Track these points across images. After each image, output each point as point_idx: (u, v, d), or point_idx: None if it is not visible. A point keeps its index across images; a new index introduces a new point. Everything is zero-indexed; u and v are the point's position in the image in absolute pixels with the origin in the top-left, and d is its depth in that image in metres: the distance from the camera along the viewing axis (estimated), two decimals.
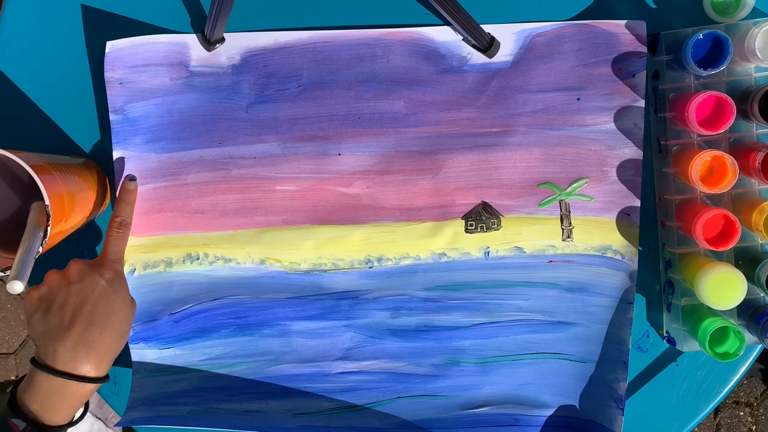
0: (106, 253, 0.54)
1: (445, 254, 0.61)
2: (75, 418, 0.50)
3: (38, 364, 0.48)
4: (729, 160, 0.54)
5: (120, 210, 0.56)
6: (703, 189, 0.55)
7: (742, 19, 0.59)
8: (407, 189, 0.61)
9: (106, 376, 0.50)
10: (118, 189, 0.58)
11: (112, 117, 0.60)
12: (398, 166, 0.60)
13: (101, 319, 0.50)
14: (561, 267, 0.61)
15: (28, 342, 1.44)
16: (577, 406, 0.62)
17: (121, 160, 0.60)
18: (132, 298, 0.53)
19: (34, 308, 0.50)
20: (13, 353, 1.44)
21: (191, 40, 0.60)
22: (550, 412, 0.62)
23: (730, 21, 0.59)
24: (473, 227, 0.61)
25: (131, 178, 0.58)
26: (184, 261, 0.61)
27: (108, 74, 0.59)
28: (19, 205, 0.56)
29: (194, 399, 0.62)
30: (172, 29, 0.60)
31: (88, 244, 0.63)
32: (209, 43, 0.59)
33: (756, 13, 0.60)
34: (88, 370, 0.48)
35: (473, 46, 0.60)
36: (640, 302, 0.63)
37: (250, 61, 0.60)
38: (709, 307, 0.58)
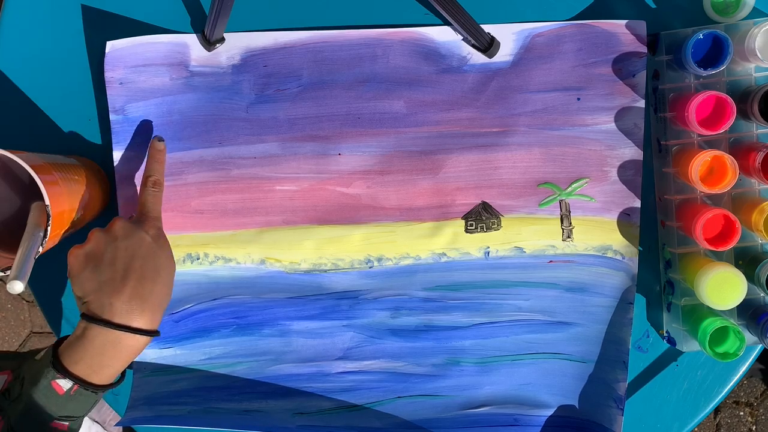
0: (146, 211, 0.54)
1: (445, 254, 0.61)
2: (116, 380, 0.50)
3: (94, 318, 0.47)
4: (729, 160, 0.54)
5: (152, 169, 0.56)
6: (703, 189, 0.55)
7: (742, 19, 0.59)
8: (407, 189, 0.61)
9: (158, 331, 0.50)
10: (148, 149, 0.58)
11: (112, 117, 0.60)
12: (398, 166, 0.60)
13: (152, 273, 0.50)
14: (561, 267, 0.61)
15: (28, 342, 1.44)
16: (577, 406, 0.63)
17: (122, 160, 0.60)
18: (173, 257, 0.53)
19: (81, 265, 0.50)
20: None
21: (191, 40, 0.60)
22: (550, 412, 0.63)
23: (730, 21, 0.59)
24: (473, 227, 0.61)
25: (159, 139, 0.58)
26: (184, 261, 0.61)
27: (108, 74, 0.59)
28: (19, 205, 0.56)
29: (194, 399, 0.62)
30: (172, 29, 0.60)
31: None
32: (209, 43, 0.59)
33: (756, 13, 0.60)
34: (143, 323, 0.48)
35: (473, 46, 0.60)
36: (640, 302, 0.63)
37: (250, 61, 0.60)
38: (709, 307, 0.58)
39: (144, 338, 0.49)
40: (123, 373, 0.51)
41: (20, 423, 0.46)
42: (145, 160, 0.58)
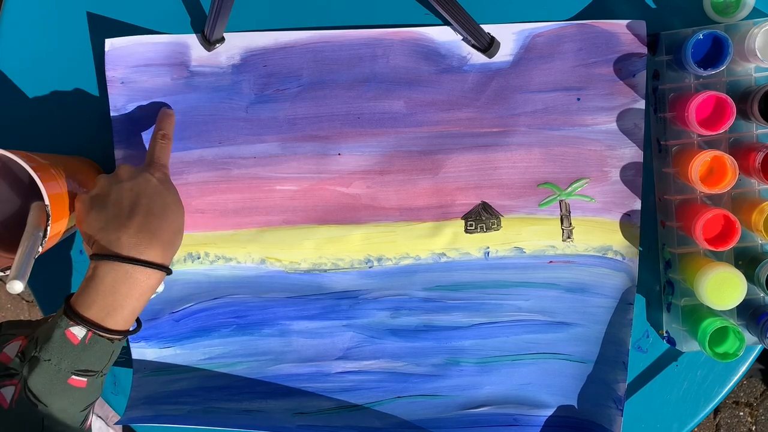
0: (153, 157, 0.54)
1: (445, 254, 0.61)
2: (132, 328, 0.49)
3: (102, 255, 0.47)
4: (729, 160, 0.54)
5: (161, 125, 0.57)
6: (703, 189, 0.55)
7: (742, 19, 0.59)
8: (407, 189, 0.61)
9: (170, 270, 0.49)
10: (159, 115, 0.58)
11: (113, 116, 0.60)
12: (398, 166, 0.60)
13: (159, 210, 0.49)
14: (561, 267, 0.61)
15: None
16: (577, 407, 0.63)
17: (122, 159, 0.60)
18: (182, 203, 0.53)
19: (87, 208, 0.50)
20: None
21: (192, 40, 0.60)
22: (549, 412, 0.63)
23: (730, 21, 0.59)
24: (473, 227, 0.61)
25: (168, 107, 0.59)
26: (185, 260, 0.61)
27: (110, 73, 0.59)
28: (19, 205, 0.56)
29: (194, 398, 0.62)
30: (172, 29, 0.60)
31: None
32: (209, 43, 0.59)
33: (756, 13, 0.60)
34: (153, 255, 0.48)
35: (473, 46, 0.60)
36: (640, 302, 0.63)
37: (250, 61, 0.60)
38: (709, 307, 0.58)
39: (156, 273, 0.48)
40: (138, 323, 0.50)
41: (36, 382, 0.44)
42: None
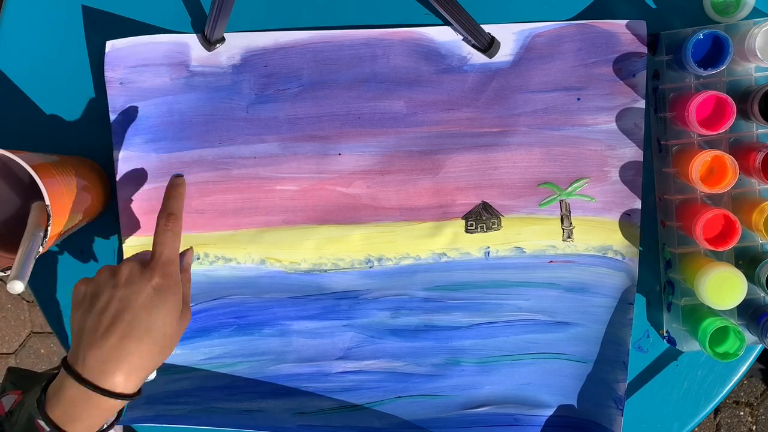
0: (155, 253, 0.49)
1: (445, 254, 0.61)
2: (103, 428, 0.47)
3: (67, 366, 0.45)
4: (729, 160, 0.54)
5: (167, 205, 0.51)
6: (703, 189, 0.55)
7: (742, 19, 0.59)
8: (407, 189, 0.61)
9: (136, 393, 0.46)
10: (166, 188, 0.53)
11: (112, 117, 0.60)
12: (398, 166, 0.60)
13: (139, 331, 0.46)
14: (561, 267, 0.61)
15: (28, 342, 1.44)
16: (577, 406, 0.63)
17: (122, 160, 0.60)
18: (184, 307, 0.49)
19: (78, 303, 0.47)
20: (13, 353, 1.44)
21: (191, 40, 0.60)
22: (550, 412, 0.63)
23: (730, 21, 0.59)
24: (473, 227, 0.61)
25: (178, 175, 0.54)
26: None
27: (108, 74, 0.59)
28: (19, 205, 0.56)
29: (195, 398, 0.62)
30: (172, 29, 0.60)
31: (89, 244, 0.63)
32: (209, 43, 0.59)
33: (756, 13, 0.60)
34: (115, 383, 0.45)
35: (473, 46, 0.60)
36: (640, 302, 0.63)
37: (250, 61, 0.60)
38: (709, 307, 0.58)
39: (114, 401, 0.45)
40: (119, 415, 0.48)
41: None
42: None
